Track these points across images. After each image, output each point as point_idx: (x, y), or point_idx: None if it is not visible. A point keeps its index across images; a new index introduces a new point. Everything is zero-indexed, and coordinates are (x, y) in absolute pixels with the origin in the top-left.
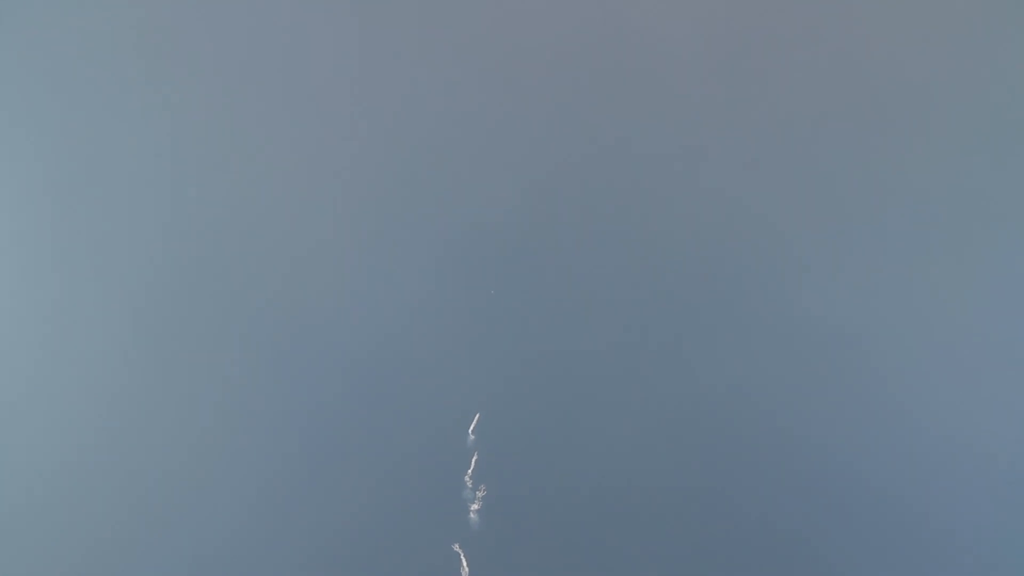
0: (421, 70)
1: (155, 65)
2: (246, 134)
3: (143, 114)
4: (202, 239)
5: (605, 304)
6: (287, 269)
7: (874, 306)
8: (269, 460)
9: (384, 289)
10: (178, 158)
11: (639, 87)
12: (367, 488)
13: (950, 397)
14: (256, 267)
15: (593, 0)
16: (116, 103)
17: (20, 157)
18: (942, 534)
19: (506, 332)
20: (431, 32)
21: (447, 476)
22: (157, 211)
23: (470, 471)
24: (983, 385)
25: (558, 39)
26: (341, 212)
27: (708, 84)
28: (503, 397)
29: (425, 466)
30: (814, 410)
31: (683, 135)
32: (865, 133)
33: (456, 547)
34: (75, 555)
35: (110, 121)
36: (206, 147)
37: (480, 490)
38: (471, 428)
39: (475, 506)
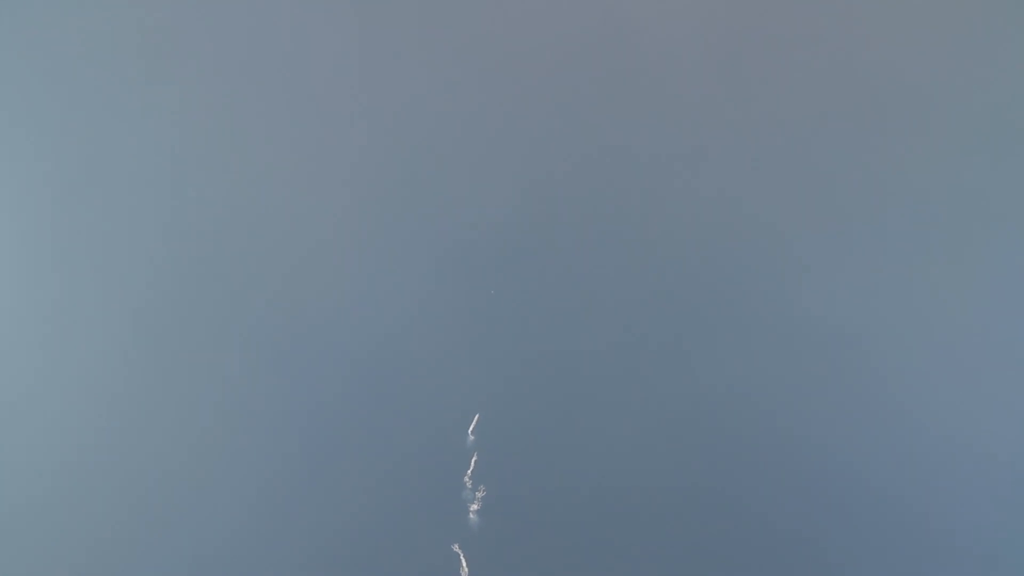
0: (421, 70)
1: (156, 65)
2: (246, 134)
3: (144, 114)
4: (202, 239)
5: (605, 304)
6: (287, 269)
7: (874, 306)
8: (269, 460)
9: (384, 289)
10: (178, 158)
11: (639, 87)
12: (367, 488)
13: (950, 397)
14: (256, 267)
15: (593, 0)
16: (116, 103)
17: (20, 157)
18: (942, 534)
19: (506, 332)
20: (431, 32)
21: (447, 476)
22: (158, 211)
23: (470, 472)
24: (983, 385)
25: (558, 39)
26: (341, 212)
27: (708, 84)
28: (503, 397)
29: (425, 466)
30: (814, 410)
31: (683, 135)
32: (865, 133)
33: (456, 547)
34: (75, 555)
35: (110, 121)
36: (206, 147)
37: (480, 491)
38: (471, 428)
39: (475, 506)
